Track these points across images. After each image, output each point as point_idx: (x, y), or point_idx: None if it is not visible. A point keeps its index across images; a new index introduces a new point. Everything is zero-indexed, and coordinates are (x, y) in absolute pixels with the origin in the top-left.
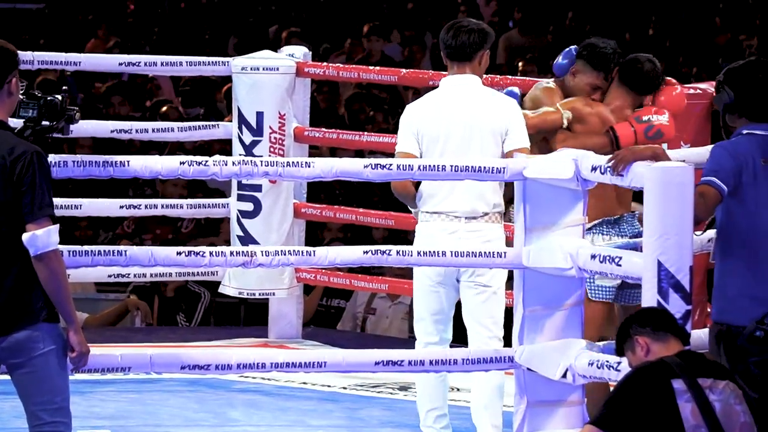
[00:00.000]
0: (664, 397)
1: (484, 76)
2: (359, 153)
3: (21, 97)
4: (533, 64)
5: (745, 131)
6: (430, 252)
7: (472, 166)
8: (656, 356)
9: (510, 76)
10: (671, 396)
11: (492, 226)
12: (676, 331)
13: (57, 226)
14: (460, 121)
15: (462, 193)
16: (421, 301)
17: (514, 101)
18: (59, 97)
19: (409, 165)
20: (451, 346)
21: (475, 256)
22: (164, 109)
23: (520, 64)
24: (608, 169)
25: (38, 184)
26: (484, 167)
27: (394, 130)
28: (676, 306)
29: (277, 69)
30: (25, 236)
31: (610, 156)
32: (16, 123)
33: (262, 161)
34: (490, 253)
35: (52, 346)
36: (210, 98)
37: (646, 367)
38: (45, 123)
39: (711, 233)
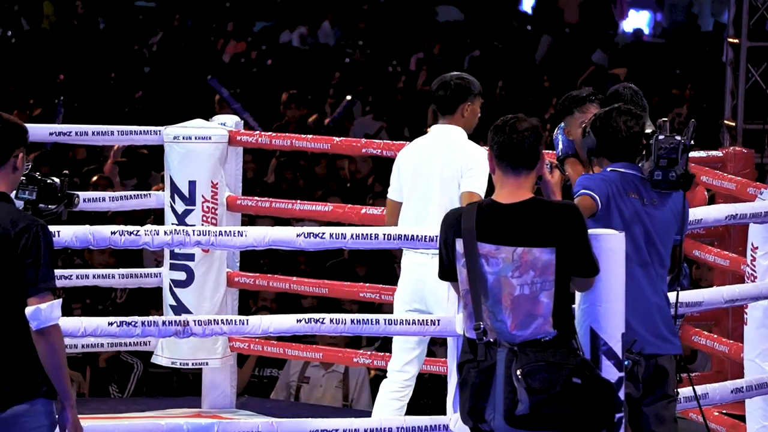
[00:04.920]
0: (452, 256)
1: None
2: (281, 220)
3: (22, 178)
4: None
5: (609, 169)
6: (363, 320)
7: (404, 235)
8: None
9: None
10: (454, 257)
11: None
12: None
13: (60, 301)
14: (425, 164)
15: (431, 228)
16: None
17: (478, 151)
18: (58, 180)
19: (342, 234)
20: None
21: (409, 324)
22: (95, 178)
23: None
24: None
25: (42, 256)
26: (416, 235)
27: (323, 197)
28: (609, 373)
29: (210, 138)
30: (28, 310)
31: None
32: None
33: (194, 230)
34: (423, 321)
35: (44, 423)
36: (144, 168)
37: (448, 219)
38: (42, 206)
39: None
